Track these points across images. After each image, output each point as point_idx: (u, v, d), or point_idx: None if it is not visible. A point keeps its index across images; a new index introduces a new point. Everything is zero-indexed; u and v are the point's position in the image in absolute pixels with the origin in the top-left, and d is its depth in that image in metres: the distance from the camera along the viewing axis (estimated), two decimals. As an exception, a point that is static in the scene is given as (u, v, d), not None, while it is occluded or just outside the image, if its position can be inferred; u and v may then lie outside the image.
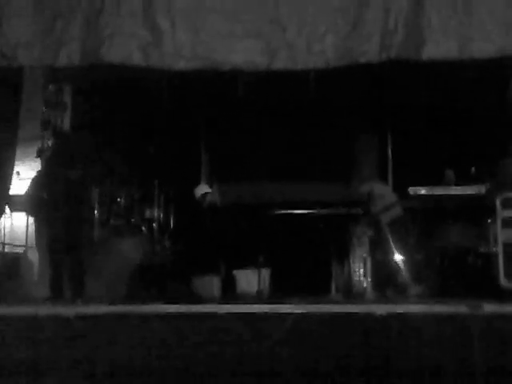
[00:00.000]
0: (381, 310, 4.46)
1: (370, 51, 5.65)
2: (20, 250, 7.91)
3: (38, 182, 7.01)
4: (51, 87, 8.37)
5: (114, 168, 8.32)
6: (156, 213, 8.40)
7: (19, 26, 5.72)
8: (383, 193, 7.22)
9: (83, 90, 8.39)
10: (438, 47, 5.59)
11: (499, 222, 5.98)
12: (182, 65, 5.79)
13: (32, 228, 7.58)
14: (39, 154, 8.03)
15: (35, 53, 5.72)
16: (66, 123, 8.47)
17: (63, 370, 4.36)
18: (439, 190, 7.48)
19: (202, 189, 7.88)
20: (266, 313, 4.55)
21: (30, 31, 5.71)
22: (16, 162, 7.52)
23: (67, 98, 8.52)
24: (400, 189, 7.49)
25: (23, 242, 7.89)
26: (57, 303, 5.85)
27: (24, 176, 7.86)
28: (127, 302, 5.51)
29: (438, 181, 7.70)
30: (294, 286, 7.02)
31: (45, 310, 4.71)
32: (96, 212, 7.86)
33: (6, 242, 7.99)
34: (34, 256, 7.61)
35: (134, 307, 4.84)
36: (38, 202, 6.92)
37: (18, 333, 4.46)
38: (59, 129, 8.30)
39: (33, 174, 7.42)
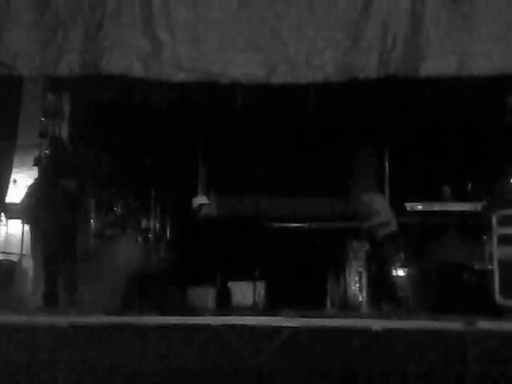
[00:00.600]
0: (376, 325, 4.46)
1: (368, 67, 5.68)
2: (15, 258, 7.88)
3: (34, 191, 7.00)
4: (50, 96, 8.37)
5: (110, 178, 8.32)
6: (152, 223, 8.39)
7: (20, 36, 5.74)
8: (381, 207, 7.22)
9: (82, 100, 8.39)
10: (437, 64, 5.62)
11: (495, 239, 5.98)
12: (181, 77, 5.80)
13: (27, 236, 7.56)
14: (36, 163, 8.01)
15: (35, 62, 5.73)
16: (64, 132, 8.47)
17: (57, 378, 4.34)
18: (436, 206, 7.50)
19: (199, 200, 7.88)
20: (260, 325, 4.54)
21: (31, 41, 5.73)
22: (13, 170, 7.51)
23: (66, 108, 8.52)
24: (397, 204, 7.49)
25: (18, 250, 7.87)
26: (51, 312, 5.82)
27: (21, 184, 7.84)
28: (122, 312, 5.49)
29: (435, 197, 7.73)
30: (289, 299, 7.00)
31: (39, 319, 4.69)
32: (92, 221, 7.85)
33: (1, 250, 7.96)
34: (28, 264, 7.58)
35: (128, 318, 4.83)
36: (33, 211, 6.90)
37: (12, 341, 4.44)
38: (57, 138, 8.30)
39: (30, 182, 7.41)
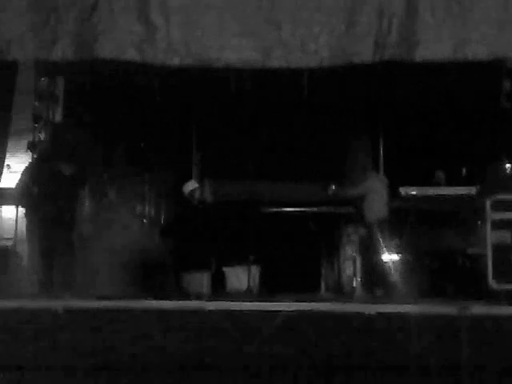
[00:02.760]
0: (370, 309, 4.48)
1: (363, 52, 5.67)
2: (9, 244, 7.86)
3: (30, 175, 6.96)
4: (43, 80, 8.32)
5: (104, 162, 8.29)
6: (147, 208, 8.38)
7: (13, 20, 5.69)
8: (378, 190, 7.20)
9: (75, 85, 8.34)
10: (432, 49, 5.61)
11: (489, 224, 6.00)
12: (175, 61, 5.78)
13: (21, 221, 7.54)
14: (30, 147, 7.97)
15: (29, 47, 5.70)
16: (58, 116, 8.42)
17: (50, 362, 4.35)
18: (430, 191, 7.52)
19: (191, 185, 7.86)
20: (254, 310, 4.56)
21: (24, 26, 5.68)
22: (7, 155, 7.48)
23: (59, 92, 8.47)
24: (391, 188, 7.50)
25: (13, 236, 7.85)
26: (45, 297, 5.83)
27: (15, 169, 7.81)
28: (116, 296, 5.49)
29: (429, 182, 7.74)
30: (283, 284, 7.03)
31: (33, 304, 4.70)
32: (86, 206, 7.83)
33: (-4, 234, 7.95)
34: (23, 249, 7.57)
35: (123, 302, 4.84)
36: (29, 195, 6.88)
37: (5, 326, 4.45)
38: (52, 122, 8.25)
39: (24, 167, 7.37)
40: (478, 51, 5.60)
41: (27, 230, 6.91)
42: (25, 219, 7.05)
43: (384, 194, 7.20)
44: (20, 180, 6.99)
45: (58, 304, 4.64)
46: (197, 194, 7.79)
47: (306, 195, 8.05)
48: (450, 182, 7.71)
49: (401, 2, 5.66)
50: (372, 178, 7.28)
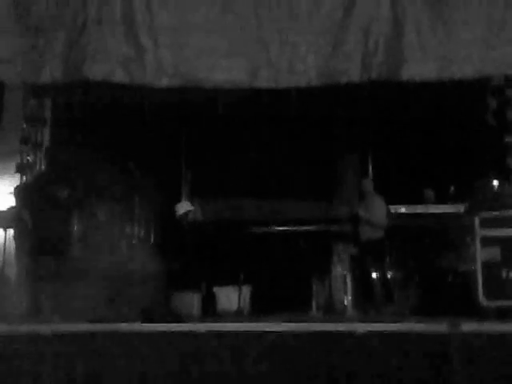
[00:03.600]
0: (361, 328, 4.47)
1: (351, 71, 5.72)
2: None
3: (22, 197, 6.93)
4: (32, 102, 8.31)
5: (93, 183, 8.26)
6: (136, 228, 8.34)
7: (1, 43, 5.69)
8: (380, 211, 7.19)
9: (64, 106, 8.34)
10: (418, 68, 5.67)
11: (478, 241, 6.02)
12: (164, 82, 5.81)
13: (10, 244, 7.48)
14: (18, 170, 7.95)
15: (17, 69, 5.70)
16: (46, 139, 8.41)
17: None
18: (419, 209, 7.54)
19: (183, 207, 7.84)
20: (244, 331, 4.53)
21: (12, 48, 5.69)
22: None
23: (47, 114, 8.47)
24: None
25: (1, 258, 7.78)
26: (34, 321, 5.77)
27: (2, 191, 7.77)
28: (106, 320, 5.45)
29: (418, 200, 7.77)
30: (274, 304, 7.00)
31: (22, 328, 4.65)
32: (75, 228, 7.79)
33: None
34: (11, 272, 7.50)
35: (113, 325, 4.80)
36: (21, 218, 6.84)
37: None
38: (41, 145, 8.25)
39: (11, 189, 7.34)
40: (463, 70, 5.66)
41: (17, 252, 6.86)
42: (14, 242, 7.01)
43: (384, 214, 7.19)
44: (16, 201, 6.95)
45: (47, 328, 4.60)
46: (188, 215, 7.77)
47: (296, 214, 8.06)
48: (438, 200, 7.74)
49: (386, 22, 5.72)
50: (377, 196, 7.28)
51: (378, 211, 7.19)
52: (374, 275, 7.07)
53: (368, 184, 7.49)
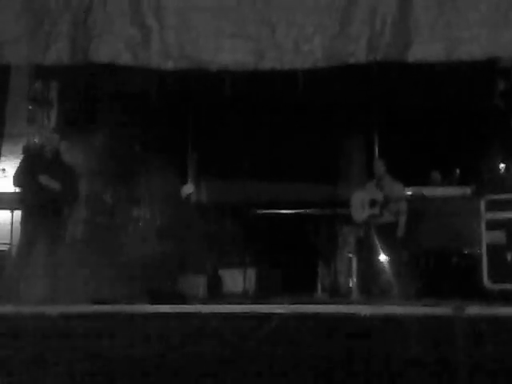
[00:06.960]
0: (365, 310, 4.48)
1: (357, 52, 5.67)
2: (4, 248, 7.84)
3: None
4: (38, 84, 8.31)
5: (100, 166, 8.28)
6: (142, 211, 8.37)
7: (7, 23, 5.68)
8: (399, 195, 7.15)
9: (70, 88, 8.34)
10: (425, 49, 5.61)
11: (483, 224, 6.01)
12: (170, 64, 5.78)
13: (17, 225, 7.51)
14: (25, 151, 7.97)
15: (23, 51, 5.68)
16: (52, 120, 8.42)
17: (46, 369, 4.33)
18: (425, 191, 7.52)
19: (187, 189, 7.86)
20: (249, 313, 4.55)
21: (18, 28, 5.67)
22: (2, 159, 7.45)
23: (53, 95, 8.46)
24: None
25: (8, 240, 7.82)
26: (40, 302, 5.81)
27: (10, 173, 7.79)
28: (112, 301, 5.48)
29: (425, 182, 7.75)
30: (280, 286, 7.03)
31: (28, 309, 4.68)
32: (82, 210, 7.82)
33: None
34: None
35: (118, 307, 4.83)
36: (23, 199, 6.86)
37: (1, 332, 4.43)
38: (47, 127, 8.25)
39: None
40: (471, 51, 5.60)
41: (22, 234, 6.87)
42: (20, 223, 7.01)
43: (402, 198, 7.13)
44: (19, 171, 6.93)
45: (53, 309, 4.63)
46: (193, 197, 7.79)
47: (302, 197, 8.06)
48: (445, 183, 7.72)
49: (394, 2, 5.66)
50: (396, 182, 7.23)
51: (397, 193, 7.15)
52: (379, 257, 7.06)
53: (380, 165, 7.43)
